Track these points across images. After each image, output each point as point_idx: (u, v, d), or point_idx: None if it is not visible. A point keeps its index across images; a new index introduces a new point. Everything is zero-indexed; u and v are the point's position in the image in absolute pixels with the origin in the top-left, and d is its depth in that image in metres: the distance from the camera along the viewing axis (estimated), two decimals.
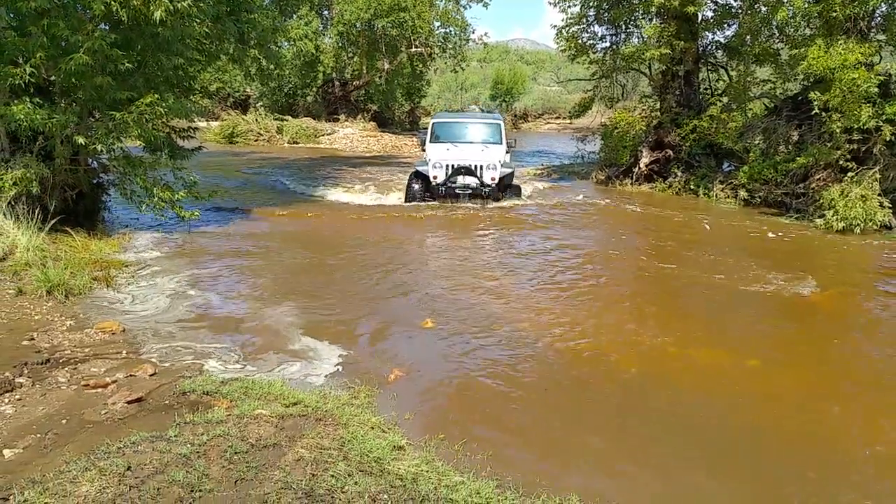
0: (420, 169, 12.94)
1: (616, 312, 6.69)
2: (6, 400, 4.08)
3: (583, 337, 5.87)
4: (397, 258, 8.65)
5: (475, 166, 12.55)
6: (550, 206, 13.22)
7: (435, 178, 12.53)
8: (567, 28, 17.13)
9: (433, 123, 14.08)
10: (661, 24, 15.06)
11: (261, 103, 30.09)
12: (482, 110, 38.69)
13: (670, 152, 15.53)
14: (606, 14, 16.52)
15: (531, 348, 5.55)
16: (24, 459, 3.29)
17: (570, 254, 9.14)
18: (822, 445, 4.13)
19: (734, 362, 5.47)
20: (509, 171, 13.05)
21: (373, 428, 3.91)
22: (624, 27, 16.92)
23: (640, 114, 17.11)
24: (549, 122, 39.87)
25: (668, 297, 7.56)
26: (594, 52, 17.42)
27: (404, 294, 7.05)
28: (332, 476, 3.25)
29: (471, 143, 13.38)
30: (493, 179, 12.47)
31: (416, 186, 12.82)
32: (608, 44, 17.33)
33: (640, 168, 15.89)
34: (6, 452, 3.37)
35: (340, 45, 26.82)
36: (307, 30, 25.46)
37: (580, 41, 17.11)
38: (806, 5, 12.17)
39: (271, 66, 20.09)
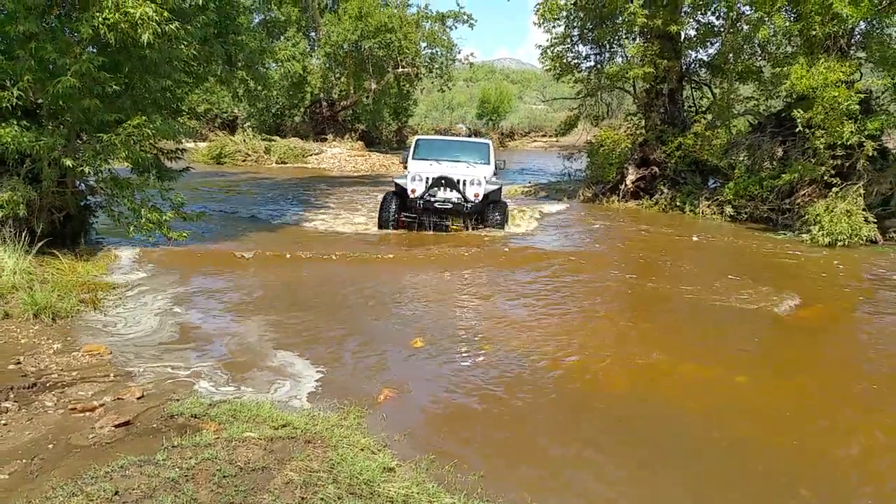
0: (398, 181, 12.01)
1: (606, 330, 6.72)
2: None
3: (572, 355, 5.90)
4: (384, 285, 8.65)
5: (458, 180, 11.57)
6: (536, 228, 12.96)
7: (413, 191, 11.45)
8: (552, 48, 17.35)
9: (417, 140, 13.29)
10: (644, 43, 15.30)
11: (248, 124, 30.14)
12: (470, 130, 38.99)
13: (656, 169, 15.70)
14: (590, 34, 16.77)
15: (521, 367, 5.56)
16: (9, 485, 3.25)
17: (559, 271, 9.19)
18: (814, 461, 4.16)
19: (723, 378, 5.51)
20: (495, 187, 12.22)
21: (362, 449, 3.89)
22: (608, 46, 17.17)
23: (625, 131, 17.33)
24: (535, 140, 40.19)
25: (655, 314, 7.61)
26: (579, 71, 17.65)
27: (392, 314, 7.05)
28: (322, 499, 3.24)
29: (456, 161, 12.47)
30: (476, 196, 11.45)
31: (393, 208, 11.66)
32: (592, 63, 17.58)
33: (626, 185, 16.04)
34: None
35: (328, 65, 26.99)
36: (294, 51, 25.61)
37: (565, 60, 17.34)
38: (787, 24, 12.42)
39: (259, 88, 20.15)
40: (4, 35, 7.54)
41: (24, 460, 3.57)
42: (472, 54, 31.51)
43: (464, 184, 11.53)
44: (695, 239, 12.03)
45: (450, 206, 11.36)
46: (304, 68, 26.48)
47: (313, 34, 28.22)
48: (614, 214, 14.91)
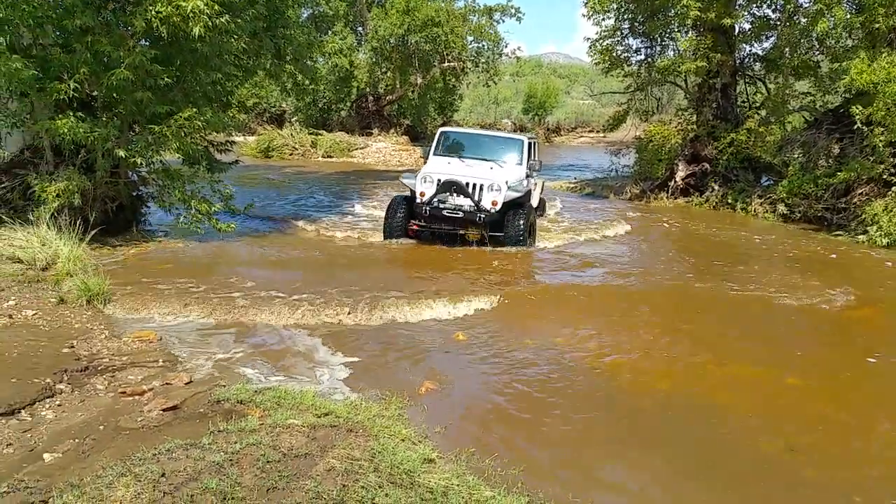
0: (406, 181, 10.18)
1: (655, 329, 6.57)
2: (47, 405, 4.16)
3: (618, 353, 5.79)
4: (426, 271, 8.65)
5: (473, 184, 9.57)
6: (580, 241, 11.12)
7: (422, 194, 9.63)
8: (601, 41, 17.06)
9: (440, 132, 11.55)
10: (696, 36, 14.91)
11: (296, 118, 30.56)
12: (514, 126, 38.70)
13: (707, 166, 15.31)
14: (641, 27, 16.42)
15: (565, 363, 5.47)
16: (63, 463, 3.35)
17: (608, 269, 9.05)
18: (868, 468, 3.98)
19: (773, 379, 5.33)
20: (518, 194, 9.81)
21: (403, 440, 3.89)
22: (659, 40, 16.79)
23: (675, 127, 16.94)
24: (582, 136, 39.70)
25: (708, 314, 7.36)
26: (628, 65, 17.31)
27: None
28: (363, 487, 3.23)
29: (482, 159, 10.64)
30: (494, 204, 9.48)
31: (399, 215, 9.87)
32: (643, 56, 17.22)
33: (675, 182, 15.69)
34: (46, 456, 3.43)
35: (374, 60, 27.13)
36: (342, 45, 25.84)
37: (614, 54, 17.02)
38: (848, 16, 11.95)
39: (307, 81, 20.44)
40: (62, 29, 7.78)
41: (76, 440, 3.67)
42: (518, 48, 31.17)
43: (479, 189, 9.59)
44: (756, 239, 11.69)
45: (460, 214, 9.48)
46: (351, 63, 26.69)
47: (360, 29, 28.42)
48: (664, 212, 14.60)
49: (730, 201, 14.51)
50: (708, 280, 8.55)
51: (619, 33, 16.92)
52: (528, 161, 10.76)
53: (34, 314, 5.97)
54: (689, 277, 8.77)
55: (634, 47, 17.22)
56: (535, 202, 11.88)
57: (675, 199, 15.59)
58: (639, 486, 3.72)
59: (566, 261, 9.52)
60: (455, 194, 9.57)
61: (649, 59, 17.03)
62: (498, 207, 9.51)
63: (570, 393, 4.92)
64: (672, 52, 16.69)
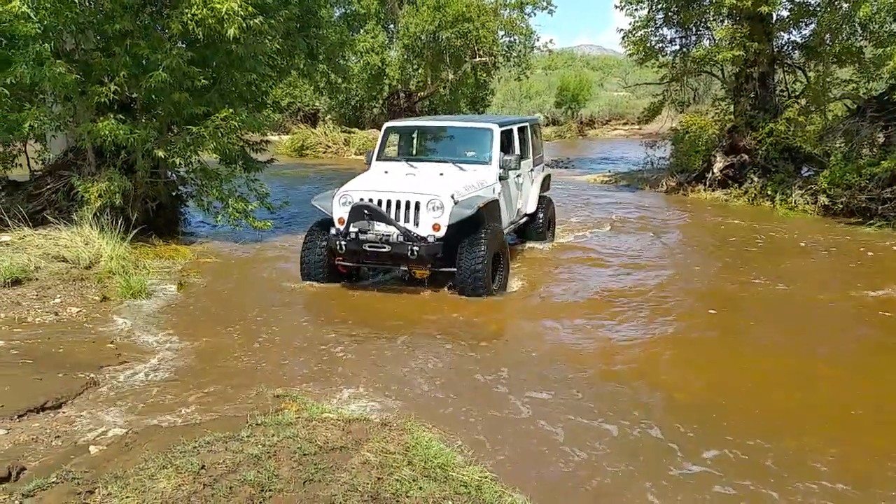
0: (317, 204, 7.42)
1: (698, 336, 6.38)
2: (92, 399, 4.30)
3: (660, 358, 5.58)
4: None
5: (403, 202, 6.84)
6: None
7: (340, 221, 6.98)
8: (634, 32, 16.80)
9: (385, 129, 8.73)
10: (733, 25, 14.58)
11: (329, 116, 30.83)
12: (547, 119, 38.38)
13: (745, 157, 14.97)
14: (675, 16, 16.12)
15: (599, 366, 5.40)
16: (107, 455, 3.45)
17: (650, 274, 8.31)
18: None
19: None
20: (470, 211, 6.82)
21: (437, 435, 3.91)
22: (694, 29, 16.46)
23: (712, 117, 16.58)
24: (616, 129, 39.18)
25: (761, 319, 6.92)
26: (663, 56, 17.01)
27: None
28: (397, 480, 3.27)
29: (437, 160, 8.04)
30: (436, 228, 6.69)
31: (321, 250, 7.21)
32: (678, 46, 16.89)
33: (713, 173, 15.37)
34: (92, 449, 3.55)
35: (406, 57, 27.21)
36: (373, 43, 25.97)
37: (648, 44, 16.74)
38: (892, 0, 11.56)
39: (339, 80, 20.60)
40: (102, 34, 7.98)
41: (119, 433, 3.78)
42: (550, 41, 31.02)
43: (412, 209, 6.81)
44: (797, 238, 11.42)
45: (386, 248, 6.73)
46: (383, 60, 26.81)
47: (392, 26, 28.52)
48: (702, 205, 14.34)
49: (769, 193, 14.16)
50: (753, 277, 8.36)
51: (652, 23, 16.64)
52: (501, 157, 7.88)
53: (78, 311, 6.17)
54: (738, 277, 8.57)
55: (669, 37, 16.91)
56: (527, 207, 9.31)
57: (713, 191, 15.27)
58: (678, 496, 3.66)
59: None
60: (370, 220, 6.82)
61: (684, 49, 16.72)
62: (441, 233, 6.69)
63: (602, 391, 4.87)
64: (708, 42, 16.36)
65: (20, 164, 9.73)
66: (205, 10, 7.61)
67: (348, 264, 7.18)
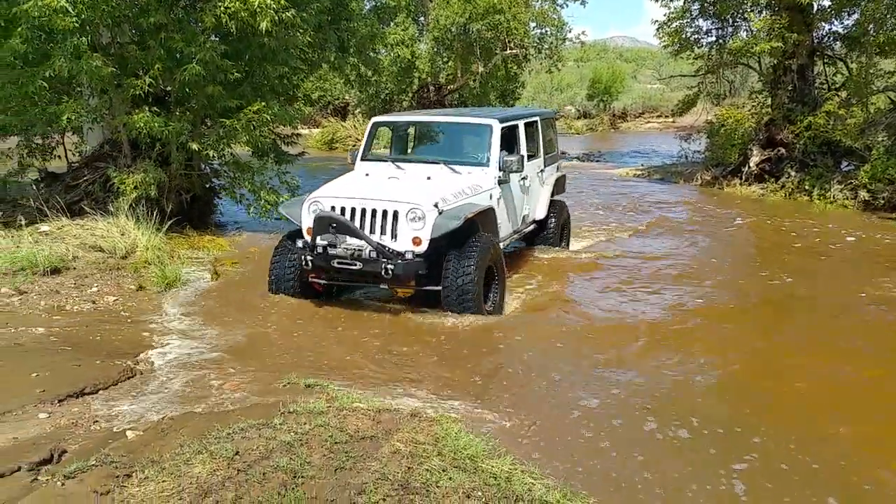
0: (285, 211, 6.65)
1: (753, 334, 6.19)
2: (129, 385, 4.39)
3: (701, 357, 5.42)
4: None
5: (379, 211, 5.89)
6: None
7: (309, 232, 6.05)
8: (669, 23, 16.52)
9: (371, 125, 7.80)
10: (771, 15, 14.25)
11: (359, 110, 30.93)
12: (579, 112, 37.99)
13: (783, 151, 14.64)
14: (711, 7, 15.80)
15: (635, 364, 5.34)
16: (144, 440, 3.52)
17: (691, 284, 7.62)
18: None
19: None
20: (457, 222, 5.83)
21: (465, 426, 3.91)
22: (731, 20, 16.11)
23: (749, 110, 16.24)
24: (649, 121, 38.65)
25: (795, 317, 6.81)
26: (699, 47, 16.71)
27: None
28: (427, 470, 3.27)
29: (428, 161, 7.12)
30: (416, 243, 5.77)
31: (287, 263, 6.40)
32: (714, 38, 16.57)
33: (749, 167, 15.07)
34: (129, 433, 3.62)
35: (436, 49, 27.16)
36: (403, 36, 25.96)
37: (683, 36, 16.45)
38: None
39: (369, 73, 20.65)
40: (138, 27, 8.11)
41: (155, 419, 3.86)
42: (583, 33, 30.59)
43: (392, 217, 5.86)
44: (849, 239, 11.13)
45: (357, 266, 5.81)
46: (413, 53, 26.79)
47: (422, 18, 28.48)
48: (737, 200, 14.08)
49: (807, 187, 13.83)
50: (792, 278, 8.17)
51: (688, 14, 16.34)
52: (502, 157, 6.89)
53: (115, 300, 6.29)
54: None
55: (705, 29, 16.59)
56: (536, 213, 8.35)
57: (749, 185, 14.98)
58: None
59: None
60: (336, 233, 5.87)
61: (720, 41, 16.39)
62: (423, 248, 5.76)
63: (637, 391, 4.81)
64: (745, 33, 16.01)
65: (58, 156, 9.98)
66: (238, 3, 7.68)
67: (322, 281, 6.28)
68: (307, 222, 6.06)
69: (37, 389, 4.13)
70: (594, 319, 6.24)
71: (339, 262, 5.84)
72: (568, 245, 9.11)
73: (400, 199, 5.90)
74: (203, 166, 9.89)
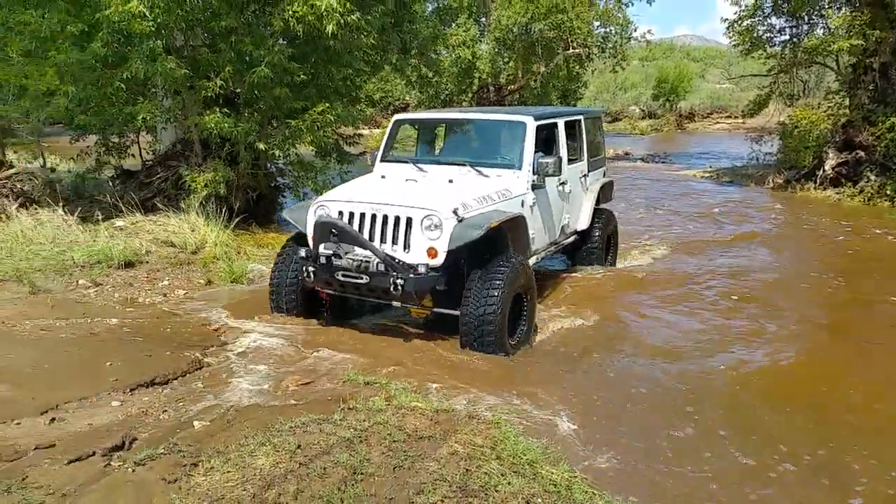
0: (289, 216, 5.93)
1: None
2: (197, 377, 4.53)
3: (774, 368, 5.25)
4: None
5: (391, 218, 5.16)
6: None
7: (314, 239, 5.38)
8: (740, 21, 16.00)
9: (393, 122, 7.14)
10: (851, 12, 13.60)
11: (419, 110, 31.18)
12: (643, 112, 37.19)
13: (861, 153, 13.93)
14: (785, 4, 15.21)
15: (695, 369, 5.18)
16: (210, 431, 3.62)
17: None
18: None
19: None
20: (478, 231, 4.93)
21: (525, 430, 3.87)
22: (806, 17, 15.47)
23: (825, 111, 15.56)
24: (718, 122, 37.53)
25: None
26: (771, 46, 16.12)
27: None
28: (486, 473, 3.25)
29: (455, 162, 6.28)
30: (431, 255, 5.00)
31: (289, 276, 5.74)
32: (787, 36, 15.95)
33: (824, 171, 14.41)
34: (196, 423, 3.73)
35: (496, 50, 27.08)
36: (465, 37, 25.99)
37: (755, 34, 15.89)
38: None
39: (430, 74, 20.77)
40: (209, 31, 8.36)
41: (221, 411, 3.96)
42: (649, 31, 29.83)
43: (401, 226, 5.13)
44: None
45: (363, 279, 5.06)
46: (474, 54, 26.79)
47: (483, 19, 28.45)
48: (812, 205, 13.49)
49: (888, 192, 13.14)
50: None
51: (760, 12, 15.78)
52: (537, 159, 6.07)
53: (185, 294, 6.52)
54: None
55: (778, 27, 15.99)
56: (577, 223, 7.45)
57: (824, 189, 14.32)
58: None
59: None
60: (339, 243, 5.18)
61: (795, 39, 15.75)
62: (439, 261, 5.00)
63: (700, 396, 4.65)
64: (821, 31, 15.35)
65: (133, 155, 10.43)
66: (305, 7, 7.82)
67: (331, 292, 5.57)
68: (312, 231, 5.41)
69: (110, 378, 4.31)
70: (642, 367, 5.05)
71: (343, 275, 5.12)
72: (615, 260, 8.23)
73: (414, 205, 5.13)
74: (269, 165, 10.14)
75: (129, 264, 7.05)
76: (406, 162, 6.56)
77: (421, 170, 6.29)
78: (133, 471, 3.14)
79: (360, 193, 5.57)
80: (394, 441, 3.48)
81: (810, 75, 17.18)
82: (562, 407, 4.26)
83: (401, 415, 3.82)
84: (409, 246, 5.07)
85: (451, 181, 5.86)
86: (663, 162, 20.86)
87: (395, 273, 4.91)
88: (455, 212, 5.02)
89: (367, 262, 5.03)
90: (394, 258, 5.00)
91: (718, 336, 5.83)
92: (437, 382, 4.49)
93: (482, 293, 4.94)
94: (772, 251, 9.31)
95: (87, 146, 10.23)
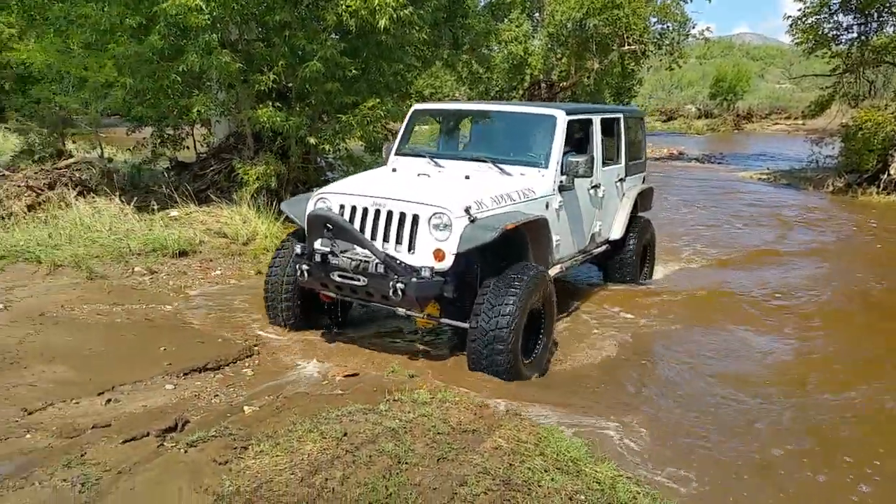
0: (287, 209, 5.47)
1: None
2: (246, 364, 4.63)
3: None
4: None
5: (395, 215, 4.65)
6: None
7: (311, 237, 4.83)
8: (805, 18, 15.47)
9: (412, 112, 6.67)
10: None
11: None
12: (699, 112, 36.33)
13: None
14: (854, 1, 14.63)
15: (739, 373, 5.04)
16: (259, 416, 3.70)
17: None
18: None
19: None
20: (492, 233, 4.39)
21: (568, 427, 3.83)
22: (876, 15, 14.86)
23: (892, 113, 14.93)
24: (777, 123, 36.41)
25: None
26: (837, 45, 15.54)
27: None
28: (529, 469, 3.23)
29: (478, 159, 5.66)
30: (438, 257, 4.45)
31: (286, 279, 5.25)
32: (855, 34, 15.36)
33: (889, 175, 13.83)
34: (246, 408, 3.82)
35: (549, 46, 26.82)
36: (517, 32, 25.82)
37: (820, 32, 15.34)
38: None
39: (481, 70, 20.71)
40: (263, 25, 8.48)
41: (270, 396, 4.05)
42: (707, 29, 29.10)
43: (409, 225, 4.61)
44: None
45: (361, 281, 4.55)
46: (526, 50, 26.59)
47: (537, 15, 28.22)
48: (874, 210, 12.97)
49: None
50: None
51: (826, 9, 15.24)
52: (565, 158, 5.54)
53: (236, 283, 6.65)
54: None
55: (845, 24, 15.42)
56: (610, 231, 6.80)
57: (888, 194, 13.75)
58: None
59: None
60: (336, 240, 4.64)
61: (863, 37, 15.16)
62: (446, 264, 4.47)
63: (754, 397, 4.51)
64: (892, 29, 14.74)
65: (188, 147, 10.71)
66: (359, 1, 7.88)
67: (330, 297, 5.09)
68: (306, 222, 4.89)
69: (164, 362, 4.45)
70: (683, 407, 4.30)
71: (340, 276, 4.61)
72: (651, 273, 7.57)
73: (422, 201, 4.60)
74: (319, 160, 10.27)
75: (182, 253, 7.24)
76: (422, 156, 6.03)
77: (437, 165, 5.79)
78: (185, 452, 3.22)
79: (364, 186, 5.09)
80: (438, 433, 3.48)
81: (878, 75, 16.46)
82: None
83: (445, 408, 3.82)
84: (413, 246, 4.53)
85: (467, 177, 5.30)
86: (719, 162, 20.37)
87: (395, 276, 4.37)
88: (467, 210, 4.48)
89: (366, 262, 4.51)
90: (395, 259, 4.44)
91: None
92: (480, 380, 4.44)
93: (494, 307, 4.38)
94: (833, 263, 8.64)
95: (143, 138, 10.54)
